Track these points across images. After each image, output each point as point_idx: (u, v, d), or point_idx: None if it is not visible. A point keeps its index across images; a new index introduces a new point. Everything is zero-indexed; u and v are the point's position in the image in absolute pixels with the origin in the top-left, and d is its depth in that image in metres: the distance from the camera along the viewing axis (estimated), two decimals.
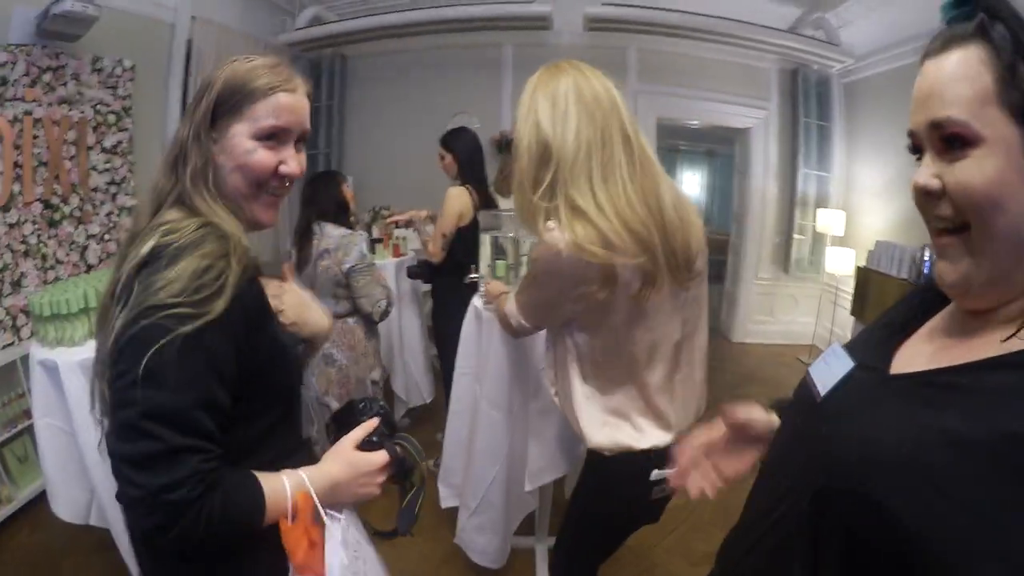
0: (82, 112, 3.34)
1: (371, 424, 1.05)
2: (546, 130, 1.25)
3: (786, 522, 0.72)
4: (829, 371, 0.76)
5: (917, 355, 0.71)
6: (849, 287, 4.96)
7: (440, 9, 4.91)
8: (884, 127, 5.15)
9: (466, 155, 3.17)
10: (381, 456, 1.03)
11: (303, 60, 5.58)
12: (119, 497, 0.81)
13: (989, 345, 0.61)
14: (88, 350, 1.92)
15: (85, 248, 3.43)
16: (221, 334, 0.85)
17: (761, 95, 5.70)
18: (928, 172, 0.63)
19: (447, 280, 3.04)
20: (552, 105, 1.26)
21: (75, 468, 1.91)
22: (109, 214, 3.60)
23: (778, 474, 0.81)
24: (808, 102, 5.67)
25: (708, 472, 1.00)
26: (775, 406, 0.98)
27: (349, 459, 1.01)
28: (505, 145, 5.43)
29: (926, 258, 3.94)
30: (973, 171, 0.59)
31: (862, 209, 5.45)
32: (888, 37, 4.80)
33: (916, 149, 0.66)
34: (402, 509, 1.10)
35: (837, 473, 0.64)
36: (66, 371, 1.87)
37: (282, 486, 0.91)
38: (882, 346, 0.75)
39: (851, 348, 0.79)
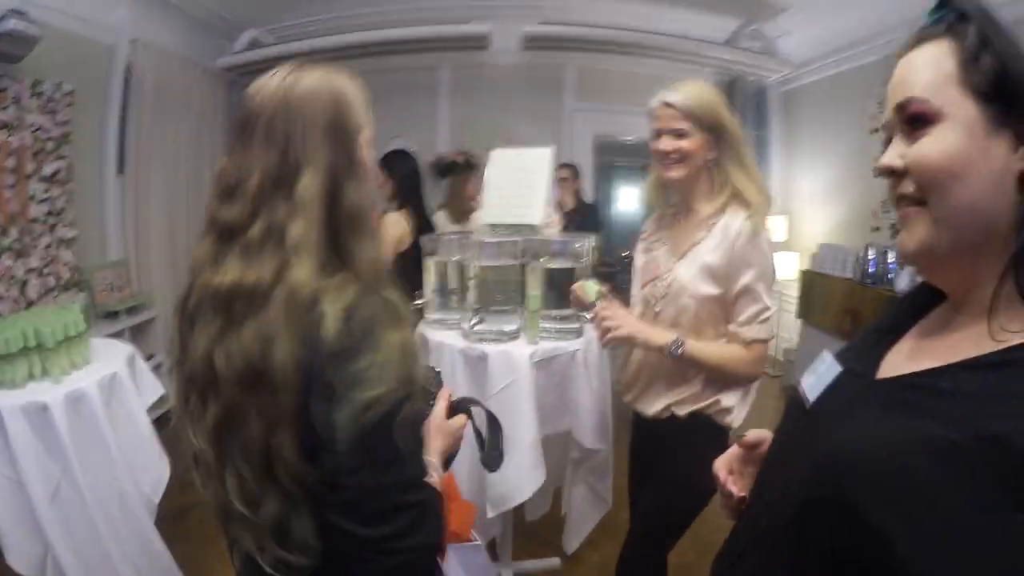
0: (21, 138, 3.20)
1: (447, 393, 1.17)
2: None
3: (773, 532, 0.72)
4: (818, 379, 0.77)
5: (903, 358, 0.71)
6: (794, 291, 5.08)
7: (377, 31, 4.86)
8: (822, 133, 5.33)
9: (404, 179, 3.13)
10: (462, 419, 1.16)
11: (240, 85, 5.46)
12: (382, 573, 0.83)
13: (970, 341, 0.62)
14: (31, 393, 1.84)
15: (25, 283, 3.28)
16: None
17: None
18: (893, 152, 0.65)
19: None
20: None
21: (27, 519, 1.80)
22: (48, 246, 3.45)
23: (768, 483, 0.82)
24: (745, 112, 5.80)
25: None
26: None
27: (445, 430, 1.11)
28: (446, 168, 5.42)
29: (871, 257, 4.06)
30: (932, 145, 0.61)
31: (803, 214, 5.61)
32: (825, 45, 4.97)
33: (889, 142, 0.68)
34: (487, 452, 1.24)
35: (820, 482, 0.64)
36: (8, 415, 1.76)
37: (436, 481, 0.97)
38: (870, 351, 0.76)
39: (841, 355, 0.79)
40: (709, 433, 1.60)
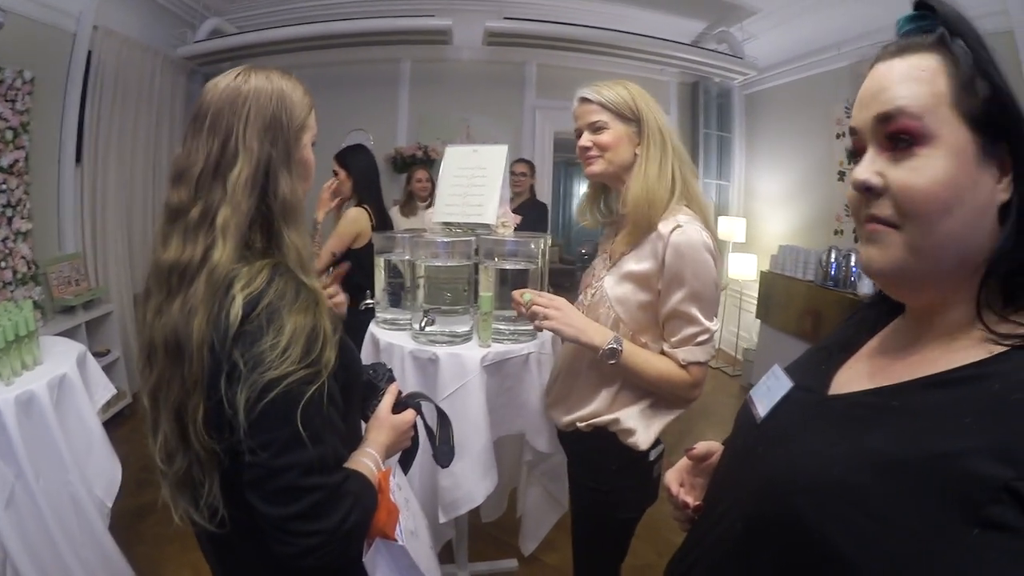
0: None
1: (394, 388, 1.19)
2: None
3: (721, 544, 0.72)
4: (769, 393, 0.76)
5: (856, 375, 0.70)
6: (753, 291, 5.15)
7: (340, 23, 4.80)
8: (783, 136, 5.41)
9: (362, 174, 3.08)
10: (410, 414, 1.19)
11: (200, 75, 5.33)
12: (292, 555, 0.85)
13: (927, 362, 0.61)
14: None
15: None
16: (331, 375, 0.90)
17: (660, 107, 5.83)
18: (870, 168, 0.61)
19: None
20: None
21: None
22: (4, 239, 3.34)
23: (718, 496, 0.81)
24: (708, 113, 5.88)
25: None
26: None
27: (391, 424, 1.14)
28: (404, 163, 5.37)
29: (832, 259, 4.11)
30: (921, 172, 0.58)
31: (763, 216, 5.69)
32: (791, 51, 5.03)
33: (856, 151, 0.65)
34: (438, 448, 1.26)
35: (768, 495, 0.64)
36: None
37: (371, 471, 1.01)
38: (822, 366, 0.75)
39: (792, 369, 0.79)
40: (618, 453, 1.50)
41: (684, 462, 0.98)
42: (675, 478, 0.98)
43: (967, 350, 0.58)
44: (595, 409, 1.52)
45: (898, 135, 0.59)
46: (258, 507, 0.85)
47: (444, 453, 1.26)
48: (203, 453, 0.88)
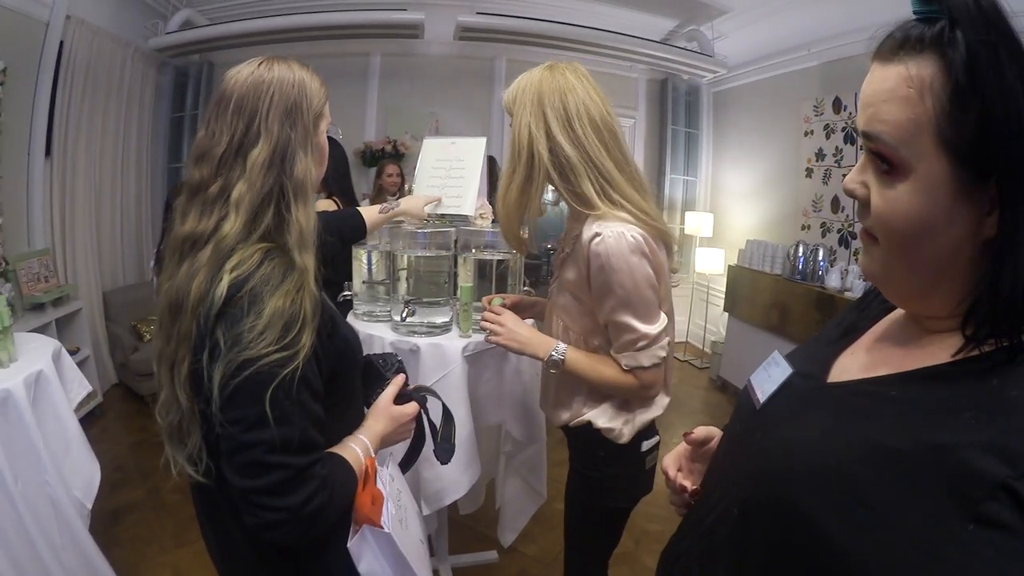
0: None
1: (400, 380, 1.20)
2: None
3: (717, 529, 0.72)
4: (769, 379, 0.75)
5: (855, 363, 0.70)
6: (721, 285, 5.22)
7: (312, 15, 4.75)
8: (751, 134, 5.50)
9: (332, 166, 3.06)
10: (413, 407, 1.19)
11: (170, 67, 5.23)
12: (256, 527, 0.90)
13: (925, 354, 0.61)
14: None
15: None
16: (311, 359, 0.93)
17: (628, 104, 5.92)
18: (858, 177, 0.61)
19: None
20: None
21: None
22: None
23: (714, 481, 0.81)
24: (676, 110, 5.95)
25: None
26: None
27: (390, 415, 1.15)
28: (372, 156, 5.34)
29: (800, 254, 4.18)
30: (893, 203, 0.57)
31: (730, 211, 5.78)
32: (761, 50, 5.11)
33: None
34: (439, 444, 1.26)
35: (764, 481, 0.64)
36: None
37: (357, 457, 1.04)
38: (822, 353, 0.74)
39: (793, 356, 0.78)
40: (604, 441, 1.49)
41: (683, 447, 0.96)
42: (673, 463, 0.96)
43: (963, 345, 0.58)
44: (573, 412, 1.52)
45: (878, 155, 0.58)
46: (228, 476, 0.91)
47: (445, 450, 1.27)
48: (187, 405, 0.94)
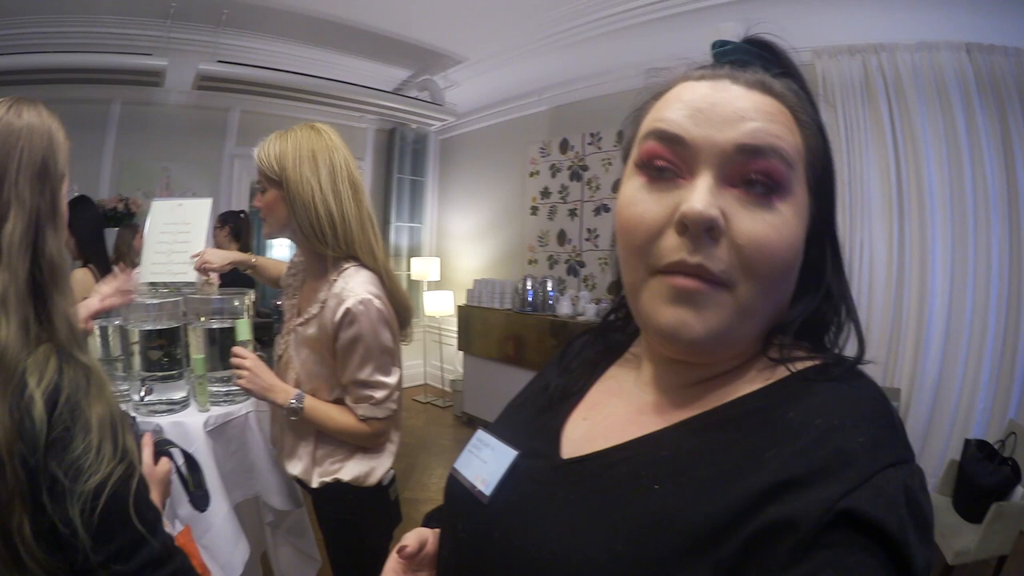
0: None
1: (149, 440, 1.11)
2: None
3: None
4: (485, 465, 0.63)
5: (591, 430, 0.61)
6: (452, 325, 5.49)
7: (49, 55, 4.00)
8: (477, 177, 5.90)
9: (87, 231, 2.68)
10: (166, 463, 1.10)
11: None
12: None
13: (697, 401, 0.55)
14: None
15: None
16: None
17: (357, 154, 5.92)
18: (714, 202, 0.49)
19: None
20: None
21: None
22: None
23: None
24: (403, 159, 6.17)
25: None
26: (430, 518, 0.79)
27: (157, 478, 1.03)
28: (106, 217, 4.66)
29: (528, 287, 4.57)
30: (779, 229, 0.50)
31: (457, 253, 6.13)
32: (492, 96, 5.48)
33: (661, 169, 0.53)
34: (193, 493, 1.22)
35: None
36: None
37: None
38: (541, 425, 0.65)
39: (503, 431, 0.67)
40: (357, 493, 1.53)
41: (395, 562, 0.72)
42: None
43: (736, 384, 0.54)
44: (305, 466, 1.54)
45: (758, 178, 0.50)
46: None
47: (199, 498, 1.23)
48: (43, 574, 0.74)
